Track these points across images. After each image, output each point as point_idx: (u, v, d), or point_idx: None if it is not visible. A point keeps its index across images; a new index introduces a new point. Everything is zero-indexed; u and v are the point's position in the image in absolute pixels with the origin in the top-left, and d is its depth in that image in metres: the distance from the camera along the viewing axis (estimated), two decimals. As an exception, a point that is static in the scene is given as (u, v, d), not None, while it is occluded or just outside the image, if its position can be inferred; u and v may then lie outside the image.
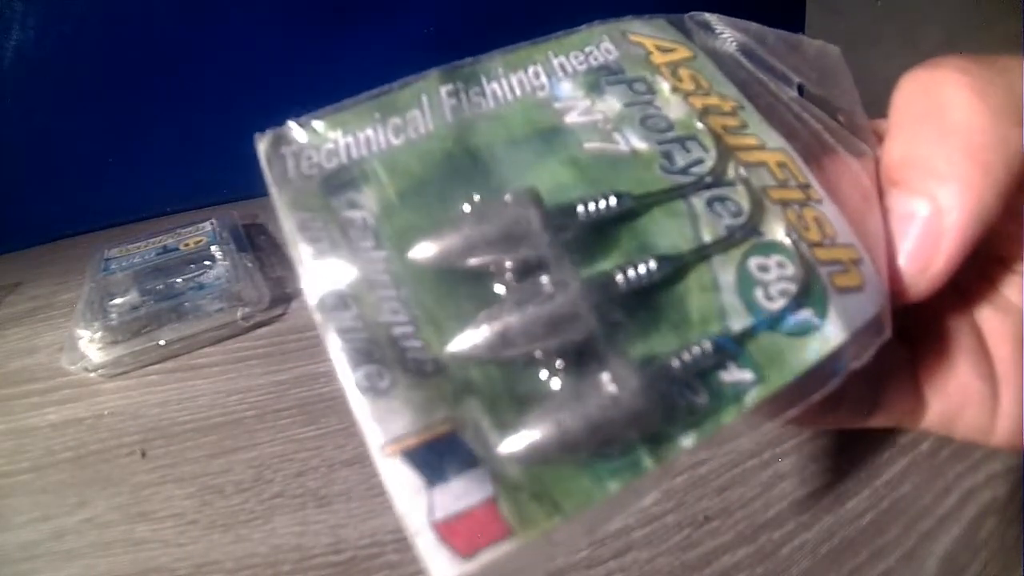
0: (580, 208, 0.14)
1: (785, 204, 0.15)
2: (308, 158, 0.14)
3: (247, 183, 0.56)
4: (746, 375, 0.13)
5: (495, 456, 0.11)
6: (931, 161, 0.15)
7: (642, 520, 0.24)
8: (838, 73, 0.18)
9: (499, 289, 0.13)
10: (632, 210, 0.14)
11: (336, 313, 0.12)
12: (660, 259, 0.14)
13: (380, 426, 0.11)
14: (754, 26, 0.18)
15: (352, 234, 0.13)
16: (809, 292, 0.14)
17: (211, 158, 0.52)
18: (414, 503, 0.11)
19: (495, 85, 0.16)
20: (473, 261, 0.13)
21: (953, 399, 0.17)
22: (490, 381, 0.12)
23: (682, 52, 0.17)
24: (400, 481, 0.11)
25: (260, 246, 0.46)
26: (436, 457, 0.11)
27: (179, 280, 0.39)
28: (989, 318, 0.18)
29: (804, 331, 0.14)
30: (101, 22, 0.45)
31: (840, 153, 0.17)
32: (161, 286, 0.39)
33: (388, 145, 0.15)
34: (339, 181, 0.14)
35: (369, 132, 0.15)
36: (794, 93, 0.17)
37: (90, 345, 0.34)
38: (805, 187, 0.16)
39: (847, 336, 0.13)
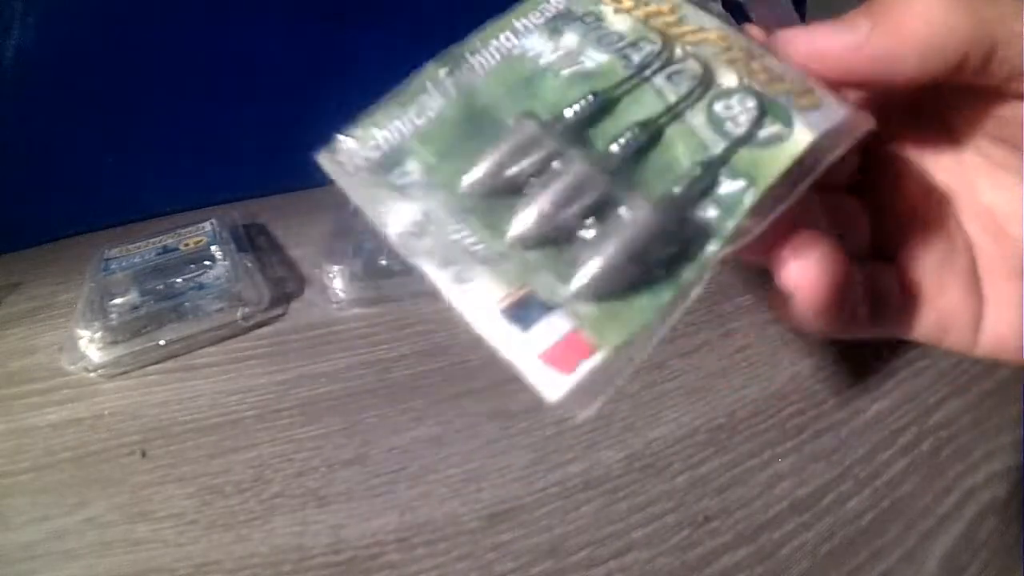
0: (568, 112, 0.18)
1: (733, 62, 0.19)
2: (359, 155, 0.19)
3: (247, 183, 0.57)
4: (739, 183, 0.17)
5: (568, 298, 0.15)
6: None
7: (642, 520, 0.24)
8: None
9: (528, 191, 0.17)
10: (609, 102, 0.19)
11: (414, 243, 0.17)
12: (640, 124, 0.18)
13: (475, 301, 0.16)
14: None
15: (409, 192, 0.18)
16: (772, 111, 0.18)
17: (211, 158, 0.52)
18: (519, 346, 0.15)
19: (478, 57, 0.20)
20: (507, 175, 0.17)
21: (943, 314, 0.20)
22: (545, 255, 0.16)
23: None
24: (503, 334, 0.15)
25: (260, 246, 0.46)
26: (523, 310, 0.15)
27: (179, 280, 0.39)
28: (983, 244, 0.20)
29: (776, 140, 0.17)
30: (101, 22, 0.45)
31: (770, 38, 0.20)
32: (161, 286, 0.39)
33: (415, 126, 0.19)
34: (388, 163, 0.19)
35: (397, 123, 0.19)
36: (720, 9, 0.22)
37: (90, 345, 0.34)
38: (746, 48, 0.19)
39: (815, 136, 0.17)
